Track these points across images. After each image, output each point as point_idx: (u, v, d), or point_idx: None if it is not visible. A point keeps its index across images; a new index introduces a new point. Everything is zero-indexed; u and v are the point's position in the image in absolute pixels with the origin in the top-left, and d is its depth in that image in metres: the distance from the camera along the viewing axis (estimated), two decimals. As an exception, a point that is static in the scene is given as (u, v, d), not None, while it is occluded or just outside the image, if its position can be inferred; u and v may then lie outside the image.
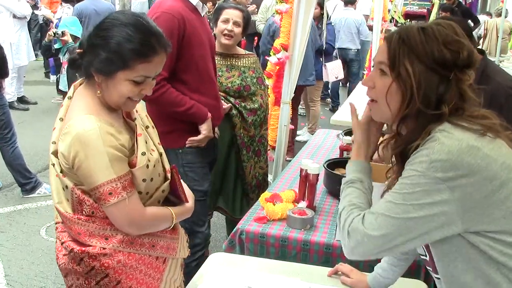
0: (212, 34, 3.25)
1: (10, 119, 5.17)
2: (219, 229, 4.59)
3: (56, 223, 1.85)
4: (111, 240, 1.74)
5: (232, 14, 3.59)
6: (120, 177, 1.67)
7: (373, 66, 1.63)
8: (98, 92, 1.72)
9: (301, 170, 2.77)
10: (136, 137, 1.76)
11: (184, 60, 2.89)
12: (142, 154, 1.73)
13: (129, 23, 1.69)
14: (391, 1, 9.86)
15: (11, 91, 8.27)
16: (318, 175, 2.71)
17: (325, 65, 6.95)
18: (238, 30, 3.62)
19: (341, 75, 7.33)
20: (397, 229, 1.43)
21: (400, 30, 1.53)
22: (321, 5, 6.77)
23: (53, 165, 1.74)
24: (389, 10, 9.21)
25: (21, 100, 8.58)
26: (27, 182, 5.31)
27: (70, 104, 1.77)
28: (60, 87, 6.83)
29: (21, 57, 8.37)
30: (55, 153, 1.73)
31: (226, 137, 3.69)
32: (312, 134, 7.25)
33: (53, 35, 6.33)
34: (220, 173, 3.78)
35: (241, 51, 3.83)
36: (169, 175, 1.89)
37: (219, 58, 3.61)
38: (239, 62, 3.72)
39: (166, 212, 1.85)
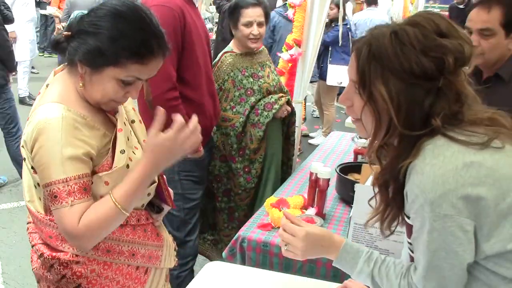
0: (207, 27, 3.05)
1: (17, 113, 5.08)
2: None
3: (27, 223, 1.65)
4: None
5: (253, 15, 3.26)
6: (70, 178, 1.43)
7: None
8: (80, 84, 1.50)
9: (311, 174, 2.56)
10: (116, 132, 1.54)
11: (187, 56, 2.71)
12: (120, 152, 1.52)
13: (130, 17, 1.46)
14: (412, 3, 9.61)
15: (23, 87, 8.17)
16: (329, 180, 2.49)
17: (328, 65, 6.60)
18: (262, 29, 3.34)
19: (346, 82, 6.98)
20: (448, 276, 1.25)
21: (370, 38, 1.27)
22: (338, 5, 6.50)
23: (24, 159, 1.54)
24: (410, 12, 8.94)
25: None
26: (32, 178, 5.16)
27: (45, 92, 1.56)
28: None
29: (23, 53, 8.06)
30: (23, 146, 1.52)
31: (277, 138, 3.56)
32: (326, 138, 7.08)
33: (62, 29, 6.13)
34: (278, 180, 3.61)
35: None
36: (155, 177, 1.68)
37: (249, 58, 3.40)
38: (262, 57, 3.51)
39: (105, 206, 1.47)
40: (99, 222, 1.45)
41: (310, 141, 6.98)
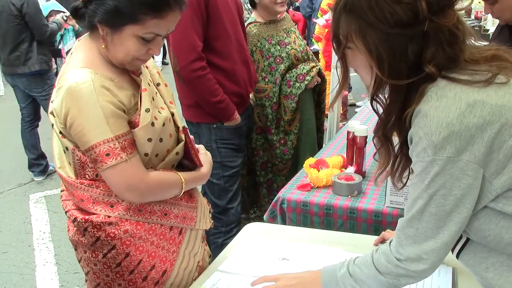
0: None
1: None
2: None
3: (61, 191, 1.71)
4: (116, 207, 1.57)
5: None
6: (118, 136, 1.49)
7: None
8: (103, 46, 1.53)
9: (348, 133, 2.55)
10: (140, 92, 1.57)
11: (214, 26, 2.73)
12: (146, 111, 1.55)
13: None
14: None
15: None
16: (366, 137, 2.47)
17: None
18: None
19: None
20: (447, 230, 1.21)
21: None
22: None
23: (52, 125, 1.58)
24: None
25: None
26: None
27: (69, 59, 1.61)
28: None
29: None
30: (52, 112, 1.56)
31: (310, 106, 3.59)
32: (374, 106, 7.00)
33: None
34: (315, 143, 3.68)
35: None
36: (182, 136, 1.70)
37: (273, 26, 3.41)
38: (286, 24, 3.50)
39: (174, 177, 1.65)
40: (165, 184, 1.62)
41: (357, 109, 6.90)
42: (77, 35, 5.98)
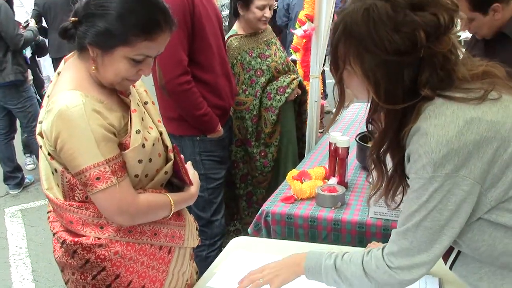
0: (218, 7, 3.06)
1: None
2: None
3: (48, 212, 1.69)
4: (106, 229, 1.56)
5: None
6: (109, 160, 1.48)
7: None
8: (93, 68, 1.53)
9: (330, 144, 2.58)
10: (130, 113, 1.57)
11: (198, 39, 2.75)
12: (136, 132, 1.54)
13: None
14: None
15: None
16: (348, 148, 2.50)
17: None
18: (271, 11, 3.38)
19: None
20: (440, 243, 1.25)
21: (345, 16, 1.24)
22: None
23: (40, 147, 1.57)
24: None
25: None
26: (56, 176, 5.27)
27: (58, 79, 1.59)
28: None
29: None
30: (41, 134, 1.55)
31: (290, 117, 3.60)
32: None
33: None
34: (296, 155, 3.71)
35: None
36: (171, 155, 1.70)
37: (254, 39, 3.41)
38: (267, 35, 3.50)
39: (163, 199, 1.65)
40: (155, 207, 1.61)
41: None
42: (37, 45, 5.84)
